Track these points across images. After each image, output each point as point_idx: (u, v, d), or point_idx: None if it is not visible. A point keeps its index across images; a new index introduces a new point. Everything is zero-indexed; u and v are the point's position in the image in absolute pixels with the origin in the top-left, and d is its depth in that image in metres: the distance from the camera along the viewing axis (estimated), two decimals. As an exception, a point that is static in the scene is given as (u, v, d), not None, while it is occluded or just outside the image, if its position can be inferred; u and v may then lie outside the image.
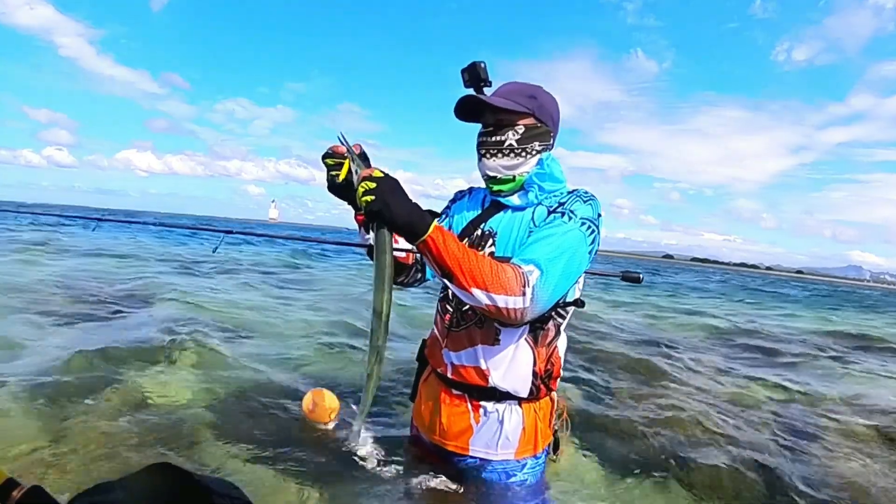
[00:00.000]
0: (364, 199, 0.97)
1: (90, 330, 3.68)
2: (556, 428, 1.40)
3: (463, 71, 1.24)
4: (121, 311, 4.36)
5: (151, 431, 2.08)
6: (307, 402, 1.83)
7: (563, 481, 2.02)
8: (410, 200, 1.01)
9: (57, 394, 2.38)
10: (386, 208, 0.97)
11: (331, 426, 1.88)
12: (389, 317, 1.07)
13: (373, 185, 0.97)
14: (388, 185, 0.98)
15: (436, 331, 1.41)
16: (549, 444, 1.38)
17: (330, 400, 2.05)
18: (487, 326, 1.25)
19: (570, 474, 2.11)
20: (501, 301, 1.04)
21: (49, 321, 3.83)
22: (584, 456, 2.31)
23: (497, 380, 1.26)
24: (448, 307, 1.34)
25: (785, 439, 2.86)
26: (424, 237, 1.01)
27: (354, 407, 1.85)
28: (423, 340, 1.52)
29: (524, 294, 1.04)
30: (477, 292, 1.04)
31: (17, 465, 1.70)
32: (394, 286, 1.43)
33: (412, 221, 1.00)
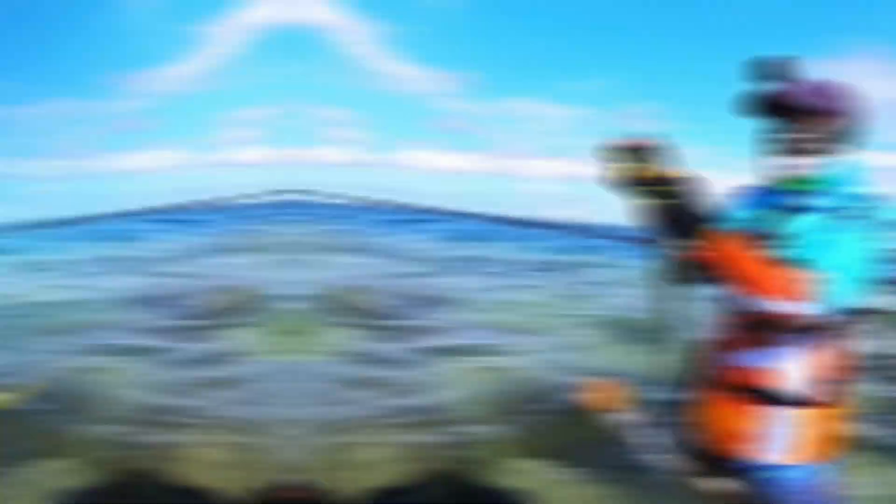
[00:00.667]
0: (653, 201, 1.03)
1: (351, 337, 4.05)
2: (847, 433, 1.27)
3: (758, 64, 1.16)
4: (391, 315, 4.85)
5: (432, 437, 2.20)
6: (589, 393, 1.85)
7: (858, 487, 1.82)
8: (698, 203, 1.03)
9: (338, 404, 2.63)
10: (676, 211, 1.02)
11: (614, 417, 1.88)
12: (688, 321, 1.16)
13: (664, 187, 1.02)
14: (678, 187, 1.03)
15: (712, 334, 1.36)
16: (840, 449, 1.25)
17: (613, 390, 2.03)
18: (769, 329, 1.17)
19: (864, 479, 1.98)
20: (782, 307, 1.03)
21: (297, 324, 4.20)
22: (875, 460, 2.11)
23: (780, 383, 1.18)
24: (725, 309, 1.30)
25: None
26: (705, 242, 1.03)
27: (637, 398, 1.83)
28: (696, 342, 1.45)
29: (806, 300, 1.02)
30: (758, 298, 1.04)
31: (287, 469, 1.90)
32: (686, 286, 1.40)
33: (697, 226, 1.03)
